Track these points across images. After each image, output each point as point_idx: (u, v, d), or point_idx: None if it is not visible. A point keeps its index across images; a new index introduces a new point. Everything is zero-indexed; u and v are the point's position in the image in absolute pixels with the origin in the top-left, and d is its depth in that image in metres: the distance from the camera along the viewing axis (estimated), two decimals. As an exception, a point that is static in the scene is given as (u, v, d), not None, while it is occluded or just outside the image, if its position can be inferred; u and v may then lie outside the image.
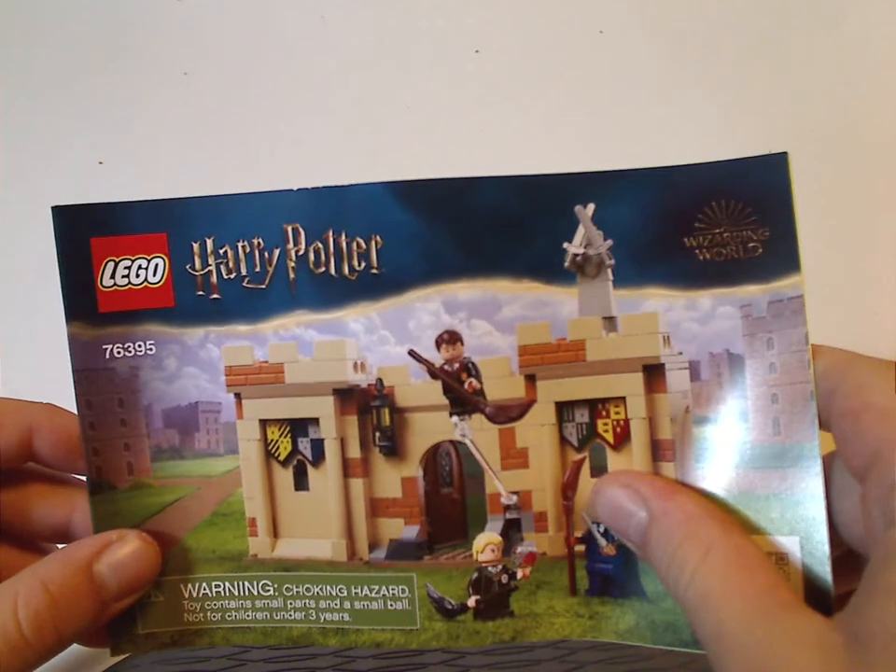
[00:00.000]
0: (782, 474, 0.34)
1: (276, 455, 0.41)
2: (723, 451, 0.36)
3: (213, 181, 0.64)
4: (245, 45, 0.68)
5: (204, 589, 0.39)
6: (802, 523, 0.34)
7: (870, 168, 0.63)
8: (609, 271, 0.36)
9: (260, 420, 0.40)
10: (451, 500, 0.41)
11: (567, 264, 0.37)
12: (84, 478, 0.39)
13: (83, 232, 0.38)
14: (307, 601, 0.39)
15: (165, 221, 0.38)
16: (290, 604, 0.39)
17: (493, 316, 0.37)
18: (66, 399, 0.39)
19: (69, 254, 0.38)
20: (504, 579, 0.38)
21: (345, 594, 0.39)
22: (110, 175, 0.66)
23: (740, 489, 0.35)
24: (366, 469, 0.40)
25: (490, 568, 0.38)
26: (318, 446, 0.40)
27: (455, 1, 0.69)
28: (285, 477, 0.41)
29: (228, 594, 0.39)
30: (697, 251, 0.36)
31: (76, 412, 0.39)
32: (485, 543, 0.38)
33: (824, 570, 0.33)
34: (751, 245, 0.35)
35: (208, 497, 0.40)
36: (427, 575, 0.39)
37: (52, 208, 0.38)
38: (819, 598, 0.33)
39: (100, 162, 0.66)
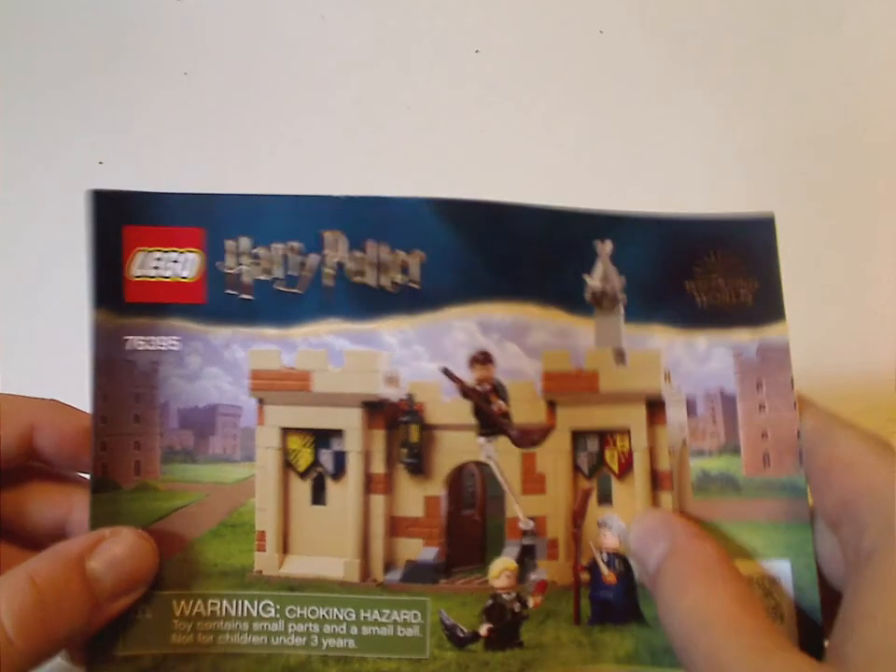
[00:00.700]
0: (772, 503, 0.37)
1: (295, 465, 0.39)
2: (718, 482, 0.38)
3: (213, 181, 0.64)
4: (245, 45, 0.68)
5: (199, 607, 0.37)
6: (792, 547, 0.36)
7: (870, 168, 0.63)
8: (622, 306, 0.38)
9: (282, 428, 0.38)
10: (472, 522, 0.40)
11: (587, 297, 0.38)
12: (85, 475, 0.37)
13: (117, 219, 0.36)
14: (310, 625, 0.37)
15: (203, 216, 0.37)
16: (291, 627, 0.37)
17: (522, 340, 0.37)
18: (67, 396, 0.38)
19: (100, 239, 0.36)
20: (517, 607, 0.37)
21: (353, 618, 0.37)
22: (110, 175, 0.65)
23: (733, 517, 0.37)
24: (388, 485, 0.38)
25: (504, 595, 0.37)
26: (341, 459, 0.39)
27: (455, 1, 0.69)
28: (302, 489, 0.39)
29: (224, 613, 0.37)
30: (696, 294, 0.38)
31: (81, 406, 0.37)
32: (501, 569, 0.38)
33: (812, 591, 0.36)
34: (742, 292, 0.38)
35: (217, 505, 0.37)
36: (441, 600, 0.37)
37: (89, 192, 0.36)
38: (810, 617, 0.35)
39: (100, 162, 0.65)
